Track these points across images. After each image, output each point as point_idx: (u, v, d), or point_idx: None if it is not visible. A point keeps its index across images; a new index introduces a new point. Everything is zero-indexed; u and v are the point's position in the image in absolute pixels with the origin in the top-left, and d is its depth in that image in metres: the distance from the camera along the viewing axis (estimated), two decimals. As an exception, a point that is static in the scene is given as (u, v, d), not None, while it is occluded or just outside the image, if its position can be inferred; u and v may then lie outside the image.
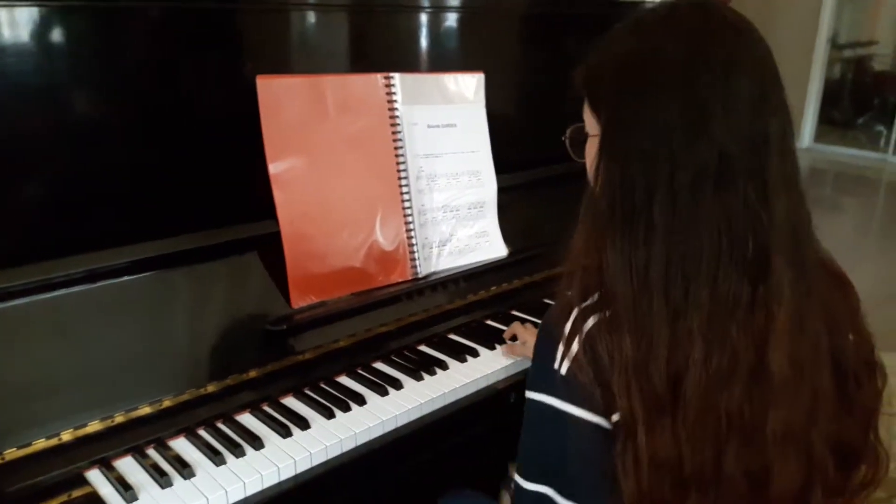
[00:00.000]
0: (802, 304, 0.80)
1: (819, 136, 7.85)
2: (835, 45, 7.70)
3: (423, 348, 1.46)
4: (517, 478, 0.91)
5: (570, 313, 0.84)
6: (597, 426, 0.83)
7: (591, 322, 0.82)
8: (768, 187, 0.78)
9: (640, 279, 0.78)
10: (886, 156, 7.39)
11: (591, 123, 0.89)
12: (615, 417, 0.81)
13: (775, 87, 0.80)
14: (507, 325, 1.56)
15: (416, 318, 1.48)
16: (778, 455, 0.80)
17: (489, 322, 1.58)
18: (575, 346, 0.82)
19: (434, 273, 1.54)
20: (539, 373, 0.88)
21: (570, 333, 0.83)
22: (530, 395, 0.89)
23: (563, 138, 0.97)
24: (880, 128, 7.58)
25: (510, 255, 1.66)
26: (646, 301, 0.78)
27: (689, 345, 0.77)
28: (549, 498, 0.87)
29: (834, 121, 7.90)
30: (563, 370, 0.83)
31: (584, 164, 0.94)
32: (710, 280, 0.77)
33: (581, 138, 0.92)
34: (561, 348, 0.83)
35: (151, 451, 1.13)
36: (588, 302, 0.84)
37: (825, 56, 7.62)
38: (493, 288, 1.62)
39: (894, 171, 7.09)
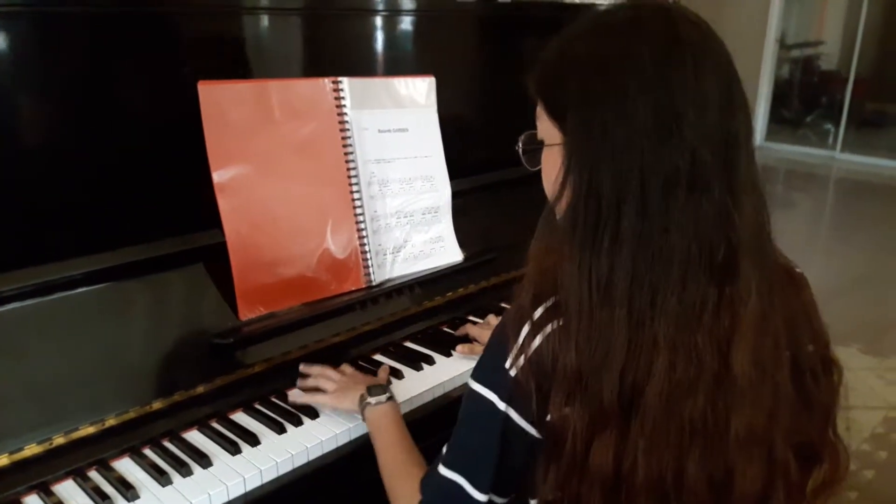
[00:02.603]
0: (765, 305, 0.80)
1: (770, 135, 8.03)
2: (783, 45, 7.88)
3: (377, 358, 1.43)
4: (439, 463, 0.93)
5: (524, 319, 0.83)
6: (529, 435, 0.86)
7: (546, 330, 0.81)
8: (737, 188, 0.78)
9: (601, 290, 0.77)
10: (834, 153, 7.59)
11: (548, 131, 0.86)
12: (546, 428, 0.82)
13: (738, 86, 0.80)
14: (463, 330, 1.55)
15: (370, 326, 1.45)
16: (741, 457, 0.80)
17: (445, 328, 1.56)
18: (528, 352, 0.82)
19: (388, 280, 1.51)
20: (488, 368, 0.89)
21: (524, 340, 0.83)
22: (474, 386, 0.89)
23: (516, 147, 0.94)
24: (828, 126, 7.78)
25: (465, 259, 1.64)
26: (605, 312, 0.77)
27: (653, 354, 0.76)
28: (459, 487, 0.90)
29: (784, 119, 8.10)
30: (513, 372, 0.84)
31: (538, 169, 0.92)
32: (679, 287, 0.76)
33: (536, 146, 0.89)
34: (514, 352, 0.83)
35: (93, 474, 1.08)
36: (542, 309, 0.83)
37: (774, 56, 7.80)
38: (449, 293, 1.60)
39: (842, 167, 7.29)
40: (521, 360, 0.83)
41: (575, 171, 0.80)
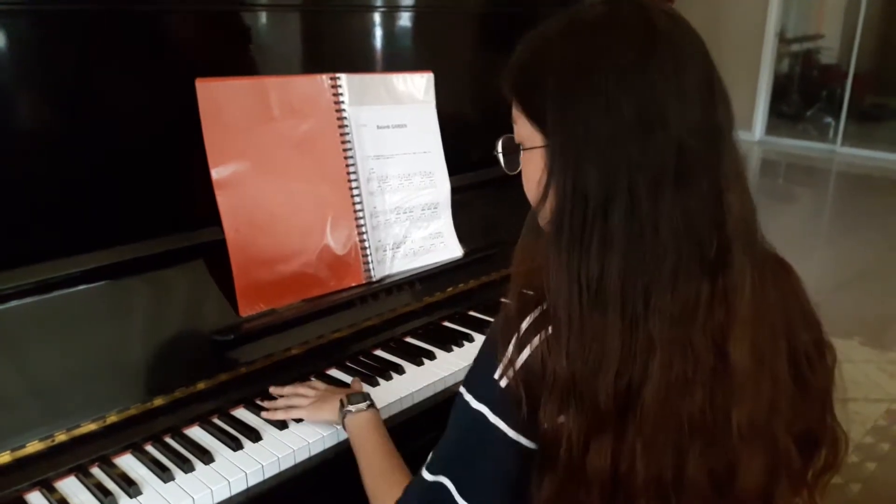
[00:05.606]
0: (759, 294, 0.79)
1: (770, 129, 8.02)
2: (783, 39, 7.87)
3: (378, 353, 1.44)
4: (423, 469, 0.91)
5: (512, 330, 0.81)
6: (521, 445, 0.83)
7: (534, 342, 0.80)
8: (723, 179, 0.77)
9: (591, 294, 0.75)
10: (835, 147, 7.58)
11: (527, 134, 0.83)
12: (540, 438, 0.80)
13: (717, 77, 0.80)
14: (464, 325, 1.56)
15: (370, 322, 1.45)
16: (744, 451, 0.79)
17: (446, 324, 1.56)
18: (517, 364, 0.80)
19: (388, 276, 1.52)
20: (478, 379, 0.87)
21: (512, 351, 0.81)
22: (466, 396, 0.87)
23: (494, 152, 0.91)
24: (828, 119, 7.77)
25: (465, 255, 1.64)
26: (597, 316, 0.75)
27: (649, 354, 0.75)
28: (445, 488, 0.87)
29: (784, 113, 8.08)
30: (503, 383, 0.82)
31: None
32: (671, 283, 0.75)
33: (514, 149, 0.87)
34: (503, 363, 0.82)
35: (96, 470, 1.09)
36: (530, 319, 0.81)
37: (774, 50, 7.78)
38: (450, 289, 1.60)
39: (843, 161, 7.28)
40: (511, 371, 0.81)
41: (559, 174, 0.78)
